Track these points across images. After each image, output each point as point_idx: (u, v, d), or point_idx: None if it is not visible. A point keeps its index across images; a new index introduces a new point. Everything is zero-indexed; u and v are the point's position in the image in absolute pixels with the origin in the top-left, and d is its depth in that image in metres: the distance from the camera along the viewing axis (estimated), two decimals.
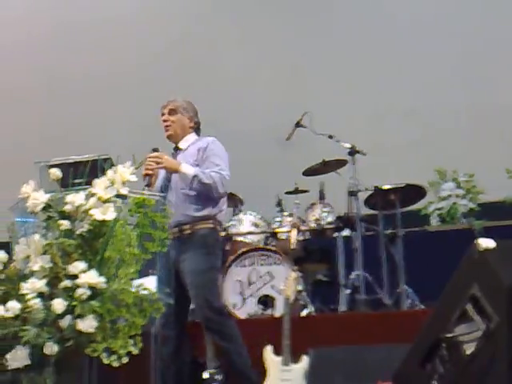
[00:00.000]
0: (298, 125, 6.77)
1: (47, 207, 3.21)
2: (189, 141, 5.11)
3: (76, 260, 3.09)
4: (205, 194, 4.83)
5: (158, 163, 4.77)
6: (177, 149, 5.10)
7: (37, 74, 9.31)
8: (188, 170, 4.80)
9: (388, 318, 5.64)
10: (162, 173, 4.99)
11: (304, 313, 5.99)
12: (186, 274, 4.76)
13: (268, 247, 6.19)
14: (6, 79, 9.28)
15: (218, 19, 9.53)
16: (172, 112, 5.08)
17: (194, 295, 4.78)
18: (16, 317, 3.01)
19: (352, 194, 6.44)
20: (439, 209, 7.58)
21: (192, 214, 4.82)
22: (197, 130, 5.19)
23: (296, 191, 6.85)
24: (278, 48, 9.31)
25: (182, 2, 9.65)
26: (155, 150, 4.84)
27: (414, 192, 6.63)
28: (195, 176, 4.76)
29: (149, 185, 4.77)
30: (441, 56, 8.90)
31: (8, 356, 2.96)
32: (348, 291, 6.22)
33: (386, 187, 6.46)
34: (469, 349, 2.98)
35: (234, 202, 6.90)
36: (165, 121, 5.07)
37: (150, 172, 4.76)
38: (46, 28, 9.47)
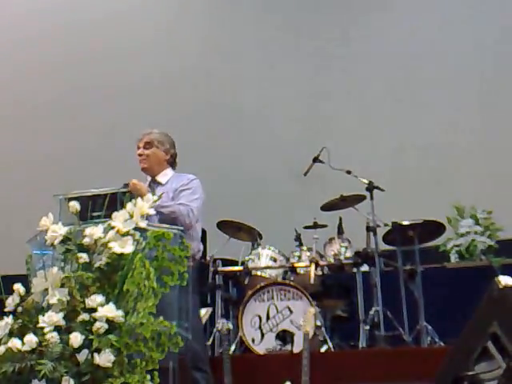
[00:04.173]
0: (315, 160, 6.77)
1: (66, 240, 3.21)
2: (167, 175, 5.14)
3: (94, 293, 3.08)
4: (188, 234, 4.82)
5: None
6: (154, 182, 5.10)
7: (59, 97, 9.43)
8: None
9: (408, 354, 5.59)
10: None
11: (323, 349, 5.93)
12: None
13: (287, 282, 6.15)
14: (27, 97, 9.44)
15: (236, 56, 9.58)
16: (147, 145, 5.11)
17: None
18: (33, 350, 3.00)
19: (370, 229, 6.41)
20: (458, 245, 7.54)
21: None
22: (173, 162, 5.21)
23: (314, 226, 6.81)
24: (297, 84, 9.33)
25: (201, 37, 9.68)
26: (126, 185, 4.71)
27: (432, 228, 6.58)
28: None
29: None
30: (459, 92, 8.88)
31: None
32: (367, 327, 6.15)
33: (404, 223, 6.41)
34: None
35: (253, 236, 6.87)
36: (140, 155, 5.10)
37: None
38: (64, 48, 9.57)
